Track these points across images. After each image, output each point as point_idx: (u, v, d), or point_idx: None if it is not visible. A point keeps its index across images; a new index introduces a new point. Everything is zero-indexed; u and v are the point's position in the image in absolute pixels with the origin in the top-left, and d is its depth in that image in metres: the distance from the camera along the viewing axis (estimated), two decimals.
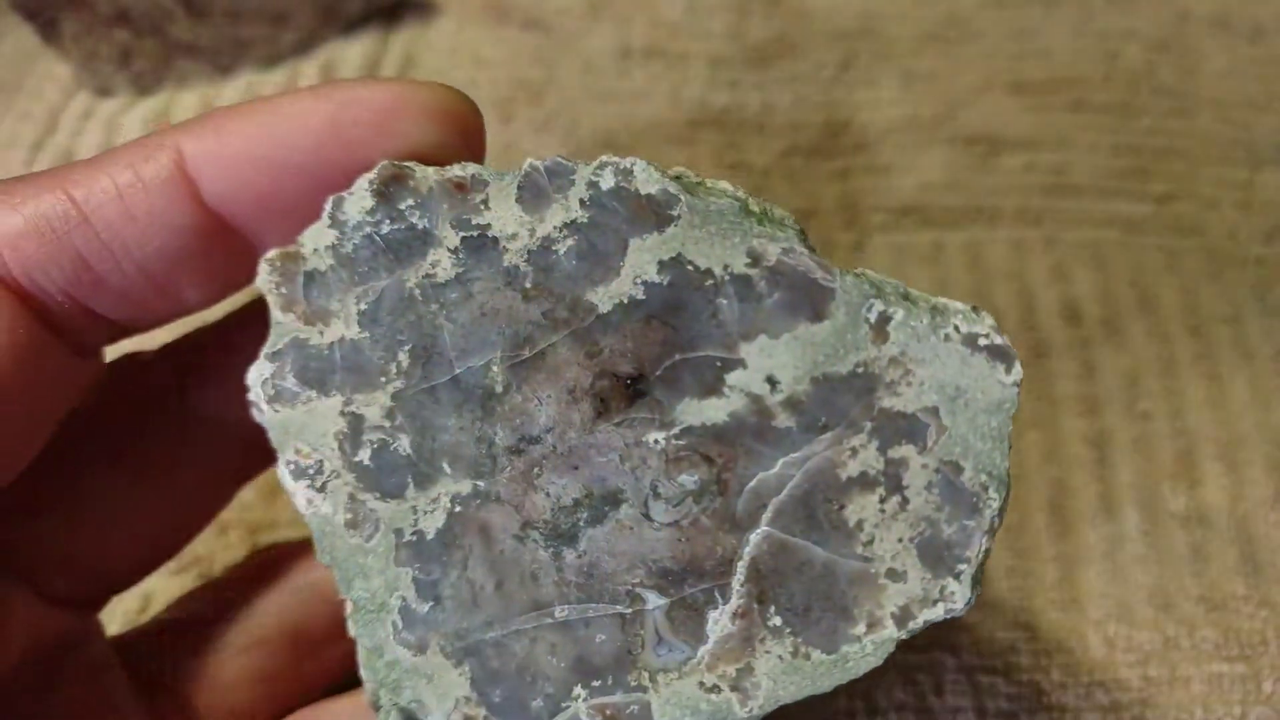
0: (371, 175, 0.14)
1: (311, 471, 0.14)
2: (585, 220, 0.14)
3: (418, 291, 0.14)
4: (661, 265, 0.14)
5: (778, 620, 0.13)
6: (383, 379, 0.14)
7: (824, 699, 0.22)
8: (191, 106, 0.32)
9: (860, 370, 0.13)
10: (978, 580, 0.13)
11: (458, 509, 0.14)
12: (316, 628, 0.19)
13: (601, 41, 0.34)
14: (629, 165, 0.14)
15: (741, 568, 0.14)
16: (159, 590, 0.23)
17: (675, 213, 0.14)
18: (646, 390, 0.14)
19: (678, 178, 0.14)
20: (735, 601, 0.14)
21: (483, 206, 0.14)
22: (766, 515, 0.14)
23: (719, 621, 0.14)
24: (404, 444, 0.14)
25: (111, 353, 0.17)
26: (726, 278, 0.14)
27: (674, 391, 0.14)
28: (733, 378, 0.14)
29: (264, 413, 0.14)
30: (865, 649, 0.13)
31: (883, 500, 0.13)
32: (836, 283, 0.14)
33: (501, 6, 0.35)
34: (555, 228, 0.14)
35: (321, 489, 0.14)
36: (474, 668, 0.14)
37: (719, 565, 0.14)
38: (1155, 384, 0.26)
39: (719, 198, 0.14)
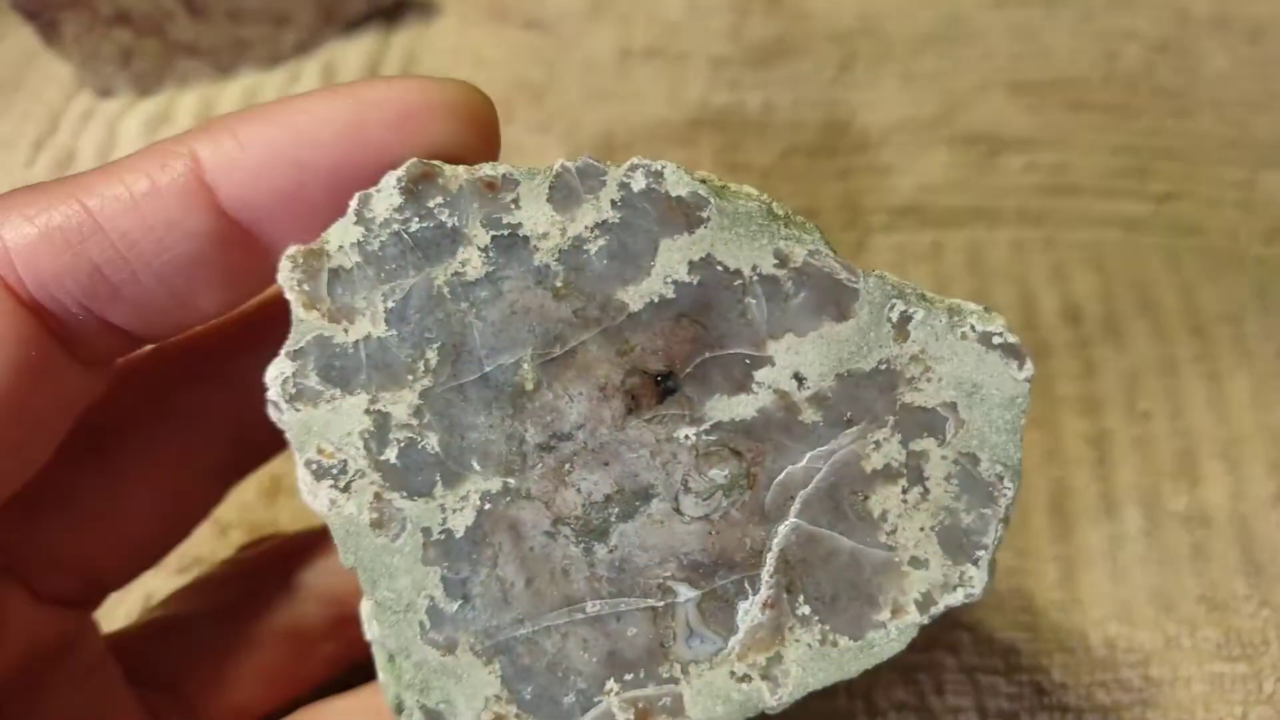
0: (399, 173, 0.14)
1: (335, 471, 0.14)
2: (616, 221, 0.14)
3: (447, 289, 0.14)
4: (691, 265, 0.14)
5: (806, 609, 0.14)
6: (410, 377, 0.14)
7: (824, 699, 0.22)
8: (192, 107, 0.32)
9: (883, 367, 0.14)
10: (993, 566, 0.14)
11: (487, 506, 0.14)
12: (313, 625, 0.19)
13: (602, 42, 0.34)
14: (659, 168, 0.14)
15: (770, 559, 0.14)
16: (159, 590, 0.23)
17: (705, 214, 0.14)
18: (677, 387, 0.14)
19: (703, 181, 0.14)
20: (765, 592, 0.14)
21: (513, 205, 0.14)
22: (794, 507, 0.14)
23: (749, 612, 0.14)
24: (432, 442, 0.14)
25: None
26: (755, 278, 0.14)
27: (704, 388, 0.14)
28: (761, 375, 0.14)
29: (283, 412, 0.14)
30: (890, 634, 0.14)
31: (905, 491, 0.14)
32: (860, 283, 0.14)
33: (502, 7, 0.35)
34: (586, 227, 0.14)
35: (345, 489, 0.14)
36: (504, 665, 0.14)
37: (749, 557, 0.14)
38: (1156, 384, 0.26)
39: (745, 201, 0.14)
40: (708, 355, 0.14)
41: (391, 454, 0.14)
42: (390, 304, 0.14)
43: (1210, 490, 0.25)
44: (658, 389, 0.14)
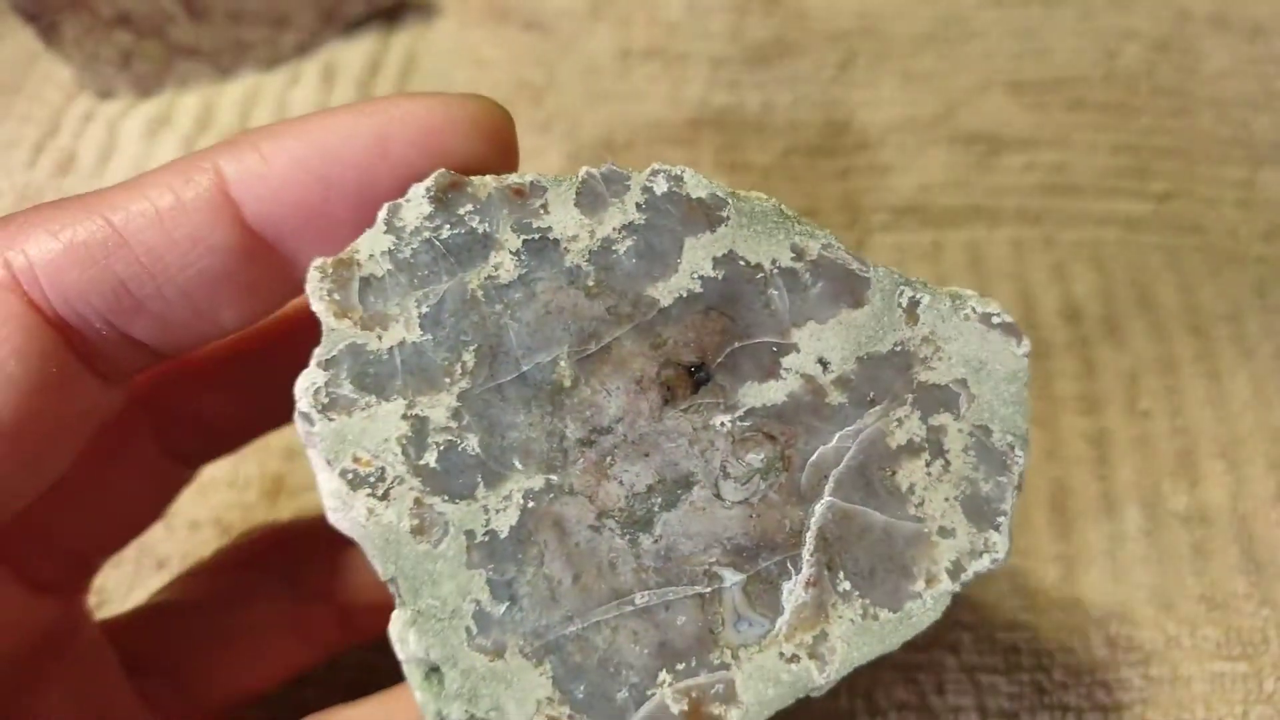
0: (428, 183, 0.14)
1: (373, 479, 0.14)
2: (642, 222, 0.15)
3: (480, 293, 0.14)
4: (716, 261, 0.15)
5: (847, 585, 0.14)
6: (447, 380, 0.14)
7: (825, 698, 0.22)
8: (193, 108, 0.32)
9: (898, 349, 0.15)
10: (1011, 533, 0.14)
11: (530, 505, 0.14)
12: (308, 613, 0.19)
13: (602, 42, 0.34)
14: (679, 172, 0.15)
15: (810, 538, 0.14)
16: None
17: (724, 214, 0.15)
18: (710, 377, 0.14)
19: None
20: (807, 571, 0.14)
21: (542, 211, 0.15)
22: (828, 486, 0.14)
23: (793, 592, 0.14)
24: (472, 443, 0.14)
25: None
26: (775, 271, 0.15)
27: (735, 377, 0.14)
28: (788, 361, 0.15)
29: (314, 424, 0.14)
30: (926, 604, 0.14)
31: (928, 464, 0.14)
32: (871, 273, 0.15)
33: (502, 7, 0.35)
34: (614, 229, 0.15)
35: (384, 497, 0.14)
36: (555, 665, 0.13)
37: (789, 537, 0.14)
38: (1155, 382, 0.26)
39: (758, 202, 0.15)
40: (737, 345, 0.15)
41: (431, 458, 0.14)
42: (424, 309, 0.14)
43: (1210, 489, 0.25)
44: (691, 380, 0.14)
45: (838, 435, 0.14)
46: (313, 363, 0.14)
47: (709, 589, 0.14)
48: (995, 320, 0.15)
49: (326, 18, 0.34)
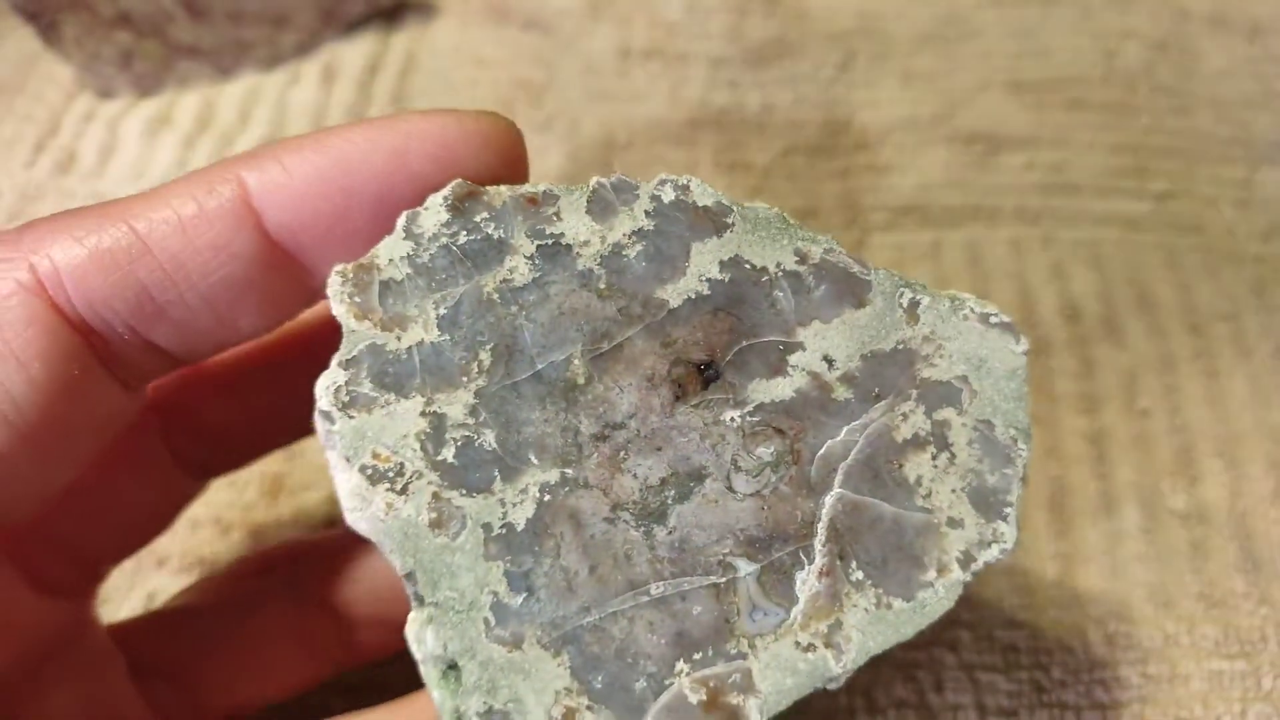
0: (445, 192, 0.15)
1: (391, 474, 0.14)
2: (651, 228, 0.15)
3: (496, 295, 0.15)
4: (722, 265, 0.15)
5: (859, 574, 0.14)
6: (464, 378, 0.14)
7: (824, 696, 0.22)
8: (193, 108, 0.32)
9: (901, 347, 0.15)
10: (1018, 524, 0.15)
11: (547, 498, 0.14)
12: (317, 626, 0.19)
13: (602, 42, 0.34)
14: (685, 181, 0.16)
15: (821, 528, 0.14)
16: (162, 590, 0.24)
17: (729, 220, 0.16)
18: (719, 374, 0.15)
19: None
20: (819, 560, 0.14)
21: (555, 218, 0.15)
22: (838, 478, 0.15)
23: (807, 581, 0.14)
24: (489, 439, 0.14)
25: None
26: (779, 274, 0.15)
27: (744, 374, 0.15)
28: (794, 359, 0.15)
29: (335, 421, 0.14)
30: (939, 593, 0.14)
31: (934, 457, 0.15)
32: (872, 276, 0.16)
33: (502, 7, 0.35)
34: (624, 235, 0.15)
35: (403, 491, 0.14)
36: (573, 655, 0.14)
37: (801, 528, 0.14)
38: (1154, 381, 0.26)
39: (763, 210, 0.16)
40: (744, 344, 0.15)
41: (449, 453, 0.14)
42: (442, 310, 0.15)
43: (1209, 488, 0.25)
44: (701, 377, 0.15)
45: (845, 429, 0.15)
46: (333, 363, 0.14)
47: (724, 579, 0.14)
48: (993, 320, 0.16)
49: (326, 17, 0.34)
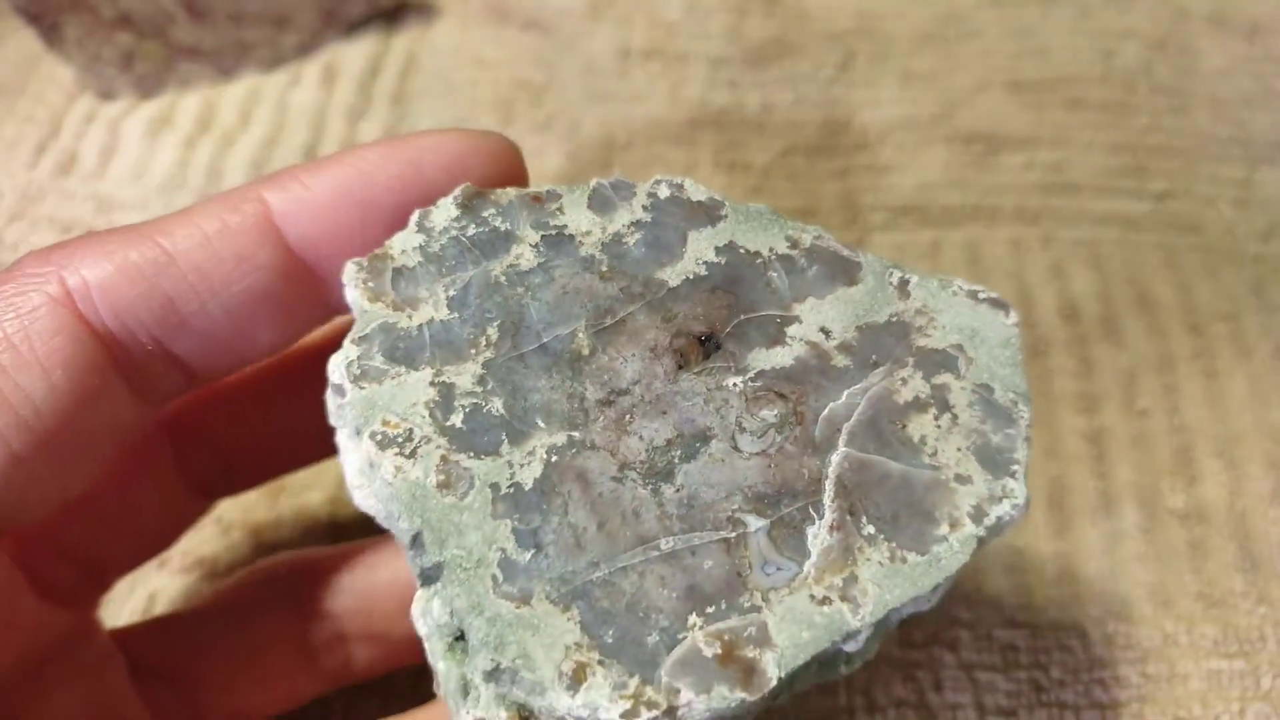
0: (455, 193, 0.16)
1: (400, 440, 0.14)
2: (649, 219, 0.16)
3: (503, 278, 0.16)
4: (718, 250, 0.16)
5: (871, 529, 0.14)
6: (473, 351, 0.15)
7: (824, 695, 0.22)
8: (194, 109, 0.33)
9: (894, 319, 0.16)
10: (1026, 482, 0.15)
11: (554, 459, 0.14)
12: (319, 639, 0.20)
13: (601, 42, 0.34)
14: (680, 181, 0.17)
15: (829, 485, 0.14)
16: (162, 590, 0.24)
17: (723, 213, 0.17)
18: (720, 345, 0.15)
19: None
20: (829, 516, 0.14)
21: (558, 212, 0.16)
22: (842, 438, 0.15)
23: (818, 536, 0.14)
24: (497, 405, 0.15)
25: None
26: (773, 257, 0.16)
27: (744, 344, 0.15)
28: (792, 330, 0.16)
29: (346, 394, 0.14)
30: (953, 547, 0.14)
31: (936, 418, 0.15)
32: (861, 258, 0.16)
33: (502, 8, 0.35)
34: (624, 225, 0.16)
35: (411, 455, 0.14)
36: (583, 610, 0.13)
37: (809, 485, 0.14)
38: (1153, 381, 0.26)
39: (752, 207, 0.17)
40: (743, 318, 0.16)
41: (457, 419, 0.14)
42: (451, 292, 0.15)
43: (1208, 487, 0.25)
44: (702, 348, 0.15)
45: (846, 393, 0.15)
46: (346, 341, 0.15)
47: (734, 534, 0.14)
48: (981, 296, 0.16)
49: (327, 18, 0.34)
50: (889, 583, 0.14)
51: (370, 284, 0.15)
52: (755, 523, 0.14)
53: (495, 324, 0.15)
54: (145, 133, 0.32)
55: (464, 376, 0.15)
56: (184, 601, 0.23)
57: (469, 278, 0.16)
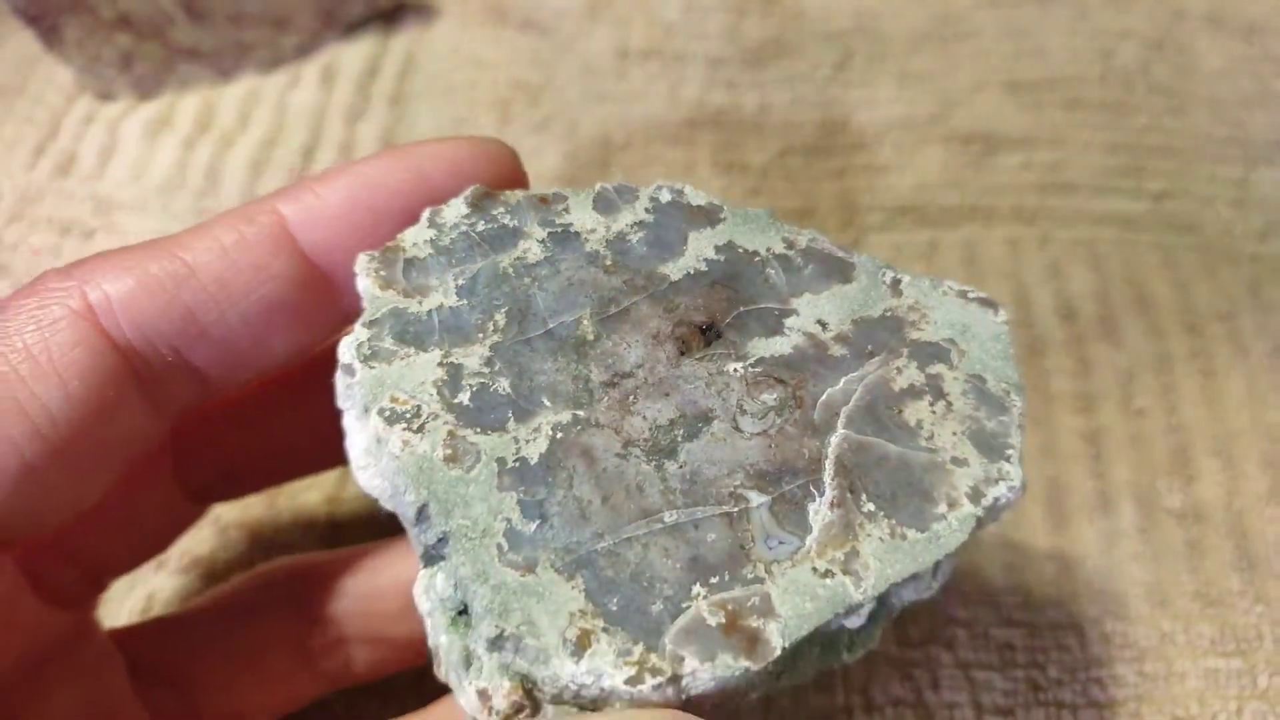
0: (465, 194, 0.17)
1: (408, 415, 0.15)
2: (651, 220, 0.17)
3: (511, 269, 0.16)
4: (717, 248, 0.17)
5: (871, 506, 0.14)
6: (481, 335, 0.16)
7: (822, 695, 0.22)
8: (193, 110, 0.33)
9: (888, 314, 0.17)
10: (1021, 466, 0.15)
11: (559, 435, 0.15)
12: (317, 642, 0.20)
13: (599, 43, 0.34)
14: (681, 187, 0.18)
15: (829, 464, 0.15)
16: (161, 589, 0.24)
17: (722, 215, 0.18)
18: (720, 334, 0.16)
19: None
20: (830, 493, 0.14)
21: (564, 211, 0.17)
22: (840, 421, 0.15)
23: (819, 511, 0.14)
24: (503, 385, 0.15)
25: None
26: (770, 256, 0.17)
27: (744, 334, 0.16)
28: (790, 322, 0.16)
29: (355, 374, 0.15)
30: (952, 525, 0.14)
31: (932, 404, 0.15)
32: (855, 259, 0.17)
33: (500, 8, 0.35)
34: (627, 225, 0.17)
35: (419, 430, 0.14)
36: (588, 579, 0.13)
37: (809, 464, 0.15)
38: (1151, 380, 0.26)
39: (750, 210, 0.18)
40: (743, 309, 0.16)
41: (464, 397, 0.15)
42: (461, 281, 0.16)
43: (1205, 486, 0.25)
44: (703, 336, 0.16)
45: (844, 380, 0.16)
46: (357, 325, 0.15)
47: (736, 509, 0.14)
48: (971, 295, 0.17)
49: (326, 19, 0.34)
50: (890, 557, 0.14)
51: (382, 273, 0.16)
52: (757, 498, 0.14)
53: (503, 311, 0.16)
54: (144, 133, 0.32)
55: (472, 358, 0.15)
56: (182, 601, 0.23)
57: (478, 268, 0.16)
